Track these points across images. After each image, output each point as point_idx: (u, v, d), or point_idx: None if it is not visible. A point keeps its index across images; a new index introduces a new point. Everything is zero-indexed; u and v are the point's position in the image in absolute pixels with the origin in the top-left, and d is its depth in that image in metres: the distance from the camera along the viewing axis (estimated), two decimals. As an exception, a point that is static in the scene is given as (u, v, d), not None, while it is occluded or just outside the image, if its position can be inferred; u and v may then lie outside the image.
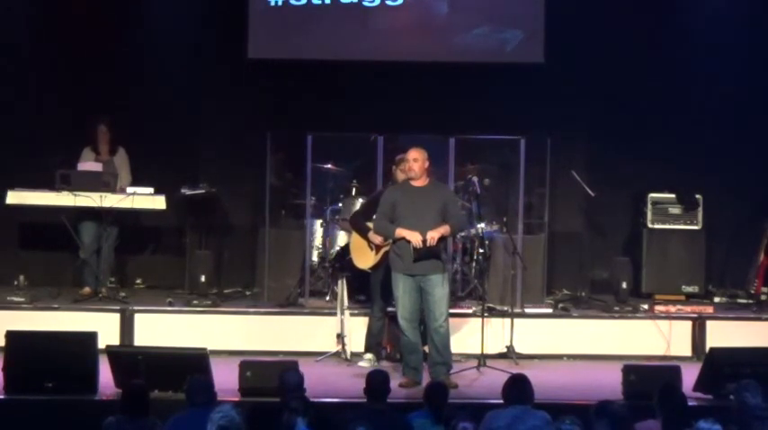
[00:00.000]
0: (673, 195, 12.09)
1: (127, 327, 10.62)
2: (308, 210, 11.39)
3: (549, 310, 11.15)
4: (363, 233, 9.95)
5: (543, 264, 11.48)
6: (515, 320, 10.50)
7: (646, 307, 11.19)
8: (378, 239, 9.73)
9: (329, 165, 11.66)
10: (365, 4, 12.35)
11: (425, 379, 9.19)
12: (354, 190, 11.42)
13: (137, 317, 10.69)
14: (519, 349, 10.42)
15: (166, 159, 12.17)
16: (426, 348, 9.52)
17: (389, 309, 10.01)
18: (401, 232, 9.28)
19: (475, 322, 10.27)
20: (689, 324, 10.80)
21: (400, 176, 10.00)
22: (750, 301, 11.56)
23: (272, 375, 8.14)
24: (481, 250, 10.91)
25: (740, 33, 12.21)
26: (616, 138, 12.33)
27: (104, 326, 10.06)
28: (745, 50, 12.25)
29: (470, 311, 10.76)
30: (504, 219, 11.13)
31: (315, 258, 11.46)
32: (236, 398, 8.46)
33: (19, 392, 8.72)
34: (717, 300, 11.69)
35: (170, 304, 11.04)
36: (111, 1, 12.36)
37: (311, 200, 11.45)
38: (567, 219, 12.44)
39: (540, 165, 11.52)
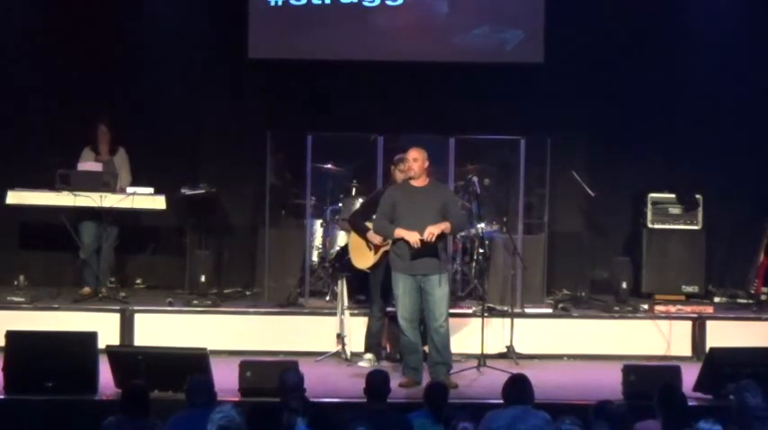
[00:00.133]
0: (673, 195, 12.09)
1: (127, 327, 10.62)
2: (308, 210, 11.39)
3: (549, 310, 11.15)
4: (362, 233, 9.95)
5: (543, 264, 11.48)
6: (515, 320, 10.50)
7: (646, 307, 11.19)
8: (377, 239, 9.73)
9: (329, 165, 11.66)
10: (365, 4, 12.36)
11: (425, 379, 9.19)
12: (354, 190, 11.42)
13: (137, 317, 10.69)
14: (519, 349, 10.42)
15: (166, 159, 12.18)
16: (426, 348, 9.52)
17: (389, 309, 10.01)
18: (399, 232, 9.28)
19: (475, 322, 10.27)
20: (689, 324, 10.80)
21: (399, 176, 10.00)
22: (750, 301, 11.56)
23: (272, 375, 8.14)
24: (481, 250, 10.91)
25: (740, 33, 12.21)
26: (616, 138, 12.34)
27: (104, 326, 10.06)
28: (745, 50, 12.24)
29: (470, 311, 10.76)
30: (504, 219, 11.13)
31: (315, 258, 11.46)
32: (236, 398, 8.46)
33: (19, 392, 8.72)
34: (717, 300, 11.69)
35: (170, 304, 11.04)
36: (111, 1, 12.35)
37: (311, 200, 11.45)
38: (567, 219, 12.44)
39: (540, 165, 11.52)
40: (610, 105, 12.33)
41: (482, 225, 10.89)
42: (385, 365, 9.83)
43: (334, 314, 10.47)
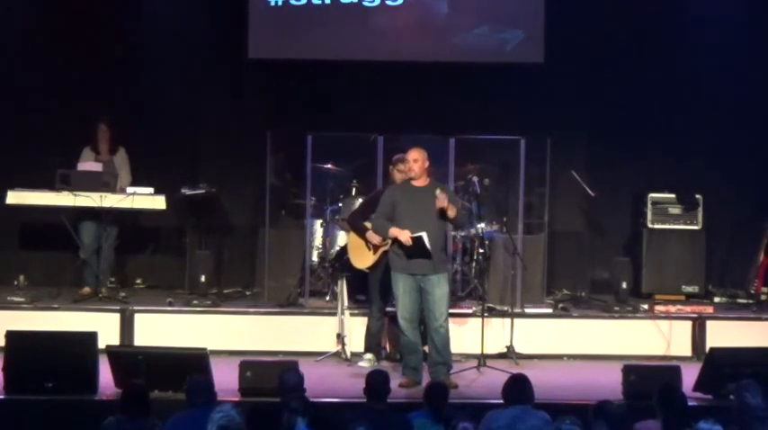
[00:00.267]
0: (673, 195, 12.09)
1: (127, 327, 10.62)
2: (308, 210, 11.39)
3: (549, 310, 11.15)
4: (361, 233, 9.95)
5: (543, 264, 11.49)
6: (515, 320, 10.51)
7: (646, 307, 11.19)
8: (376, 239, 9.72)
9: (329, 165, 11.66)
10: (365, 4, 12.36)
11: (425, 379, 9.19)
12: (354, 190, 11.42)
13: (137, 317, 10.69)
14: (519, 349, 10.42)
15: (166, 159, 12.18)
16: (426, 348, 9.52)
17: (389, 309, 10.01)
18: (393, 231, 9.29)
19: (475, 322, 10.27)
20: (689, 324, 10.80)
21: (398, 176, 10.00)
22: (750, 301, 11.56)
23: (272, 375, 8.14)
24: (481, 250, 10.91)
25: (740, 33, 12.20)
26: (616, 138, 12.34)
27: (104, 326, 10.06)
28: (745, 50, 12.24)
29: (470, 311, 10.76)
30: (504, 219, 11.13)
31: (315, 258, 11.46)
32: (236, 398, 8.46)
33: (19, 392, 8.72)
34: (717, 300, 11.69)
35: (170, 304, 11.04)
36: (111, 1, 12.35)
37: (311, 200, 11.45)
38: (567, 219, 12.45)
39: (540, 165, 11.52)
40: (610, 105, 12.32)
41: (482, 225, 10.88)
42: (385, 365, 9.83)
43: (335, 314, 10.47)
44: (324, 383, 9.10)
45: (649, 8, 12.24)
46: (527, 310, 10.92)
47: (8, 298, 10.97)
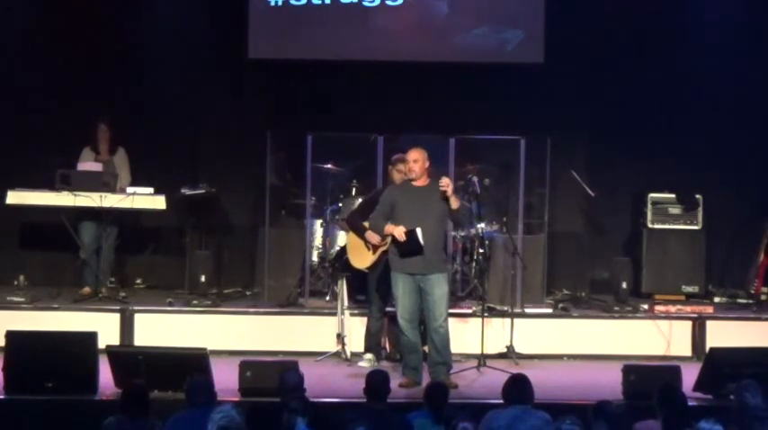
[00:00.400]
0: (673, 195, 12.09)
1: (127, 327, 10.62)
2: (308, 210, 11.39)
3: (549, 310, 11.15)
4: (360, 233, 9.94)
5: (543, 264, 11.48)
6: (515, 320, 10.51)
7: (646, 307, 11.19)
8: (375, 239, 9.71)
9: (329, 165, 11.66)
10: (365, 4, 12.36)
11: (425, 379, 9.19)
12: (354, 190, 11.42)
13: (137, 317, 10.69)
14: (519, 349, 10.42)
15: (166, 159, 12.18)
16: (426, 348, 9.52)
17: (388, 309, 10.01)
18: (388, 228, 9.31)
19: (475, 322, 10.27)
20: (689, 324, 10.80)
21: (396, 176, 10.00)
22: (750, 301, 11.56)
23: (272, 375, 8.14)
24: (481, 250, 10.91)
25: (740, 33, 12.21)
26: (616, 138, 12.34)
27: (104, 326, 10.06)
28: (745, 50, 12.24)
29: (470, 311, 10.76)
30: (504, 219, 11.13)
31: (315, 258, 11.46)
32: (236, 398, 8.46)
33: (19, 392, 8.72)
34: (717, 300, 11.69)
35: (170, 304, 11.04)
36: (111, 1, 12.35)
37: (311, 200, 11.45)
38: (567, 219, 12.45)
39: (540, 165, 11.52)
40: (610, 105, 12.32)
41: (482, 225, 10.88)
42: (385, 365, 9.83)
43: (335, 314, 10.47)
44: (324, 383, 9.10)
45: (649, 8, 12.24)
46: (527, 310, 10.92)
47: (8, 298, 10.97)
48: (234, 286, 12.11)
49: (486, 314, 10.15)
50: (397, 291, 9.36)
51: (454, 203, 9.29)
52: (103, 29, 12.25)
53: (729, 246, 12.45)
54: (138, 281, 12.43)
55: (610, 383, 8.98)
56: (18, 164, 12.00)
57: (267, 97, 12.41)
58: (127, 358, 8.88)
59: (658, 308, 11.02)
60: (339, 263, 10.73)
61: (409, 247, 9.21)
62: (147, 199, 11.21)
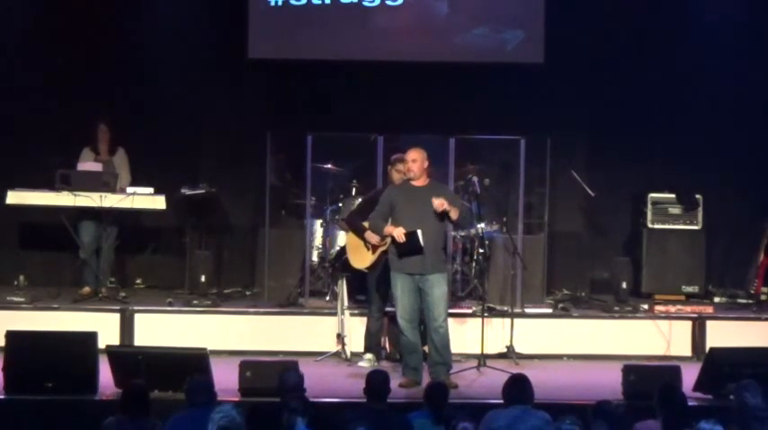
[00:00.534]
0: (673, 195, 12.09)
1: (127, 327, 10.62)
2: (308, 210, 11.40)
3: (549, 310, 11.15)
4: (360, 233, 9.94)
5: (543, 264, 11.49)
6: (515, 320, 10.51)
7: (646, 307, 11.19)
8: (374, 239, 9.71)
9: (329, 165, 11.66)
10: (365, 4, 12.36)
11: (425, 379, 9.19)
12: (354, 190, 11.43)
13: (137, 317, 10.69)
14: (519, 349, 10.42)
15: (166, 159, 12.17)
16: (426, 348, 9.52)
17: (388, 308, 10.01)
18: (388, 229, 9.31)
19: (475, 322, 10.27)
20: (689, 324, 10.81)
21: (396, 176, 10.00)
22: (750, 301, 11.56)
23: (272, 375, 8.14)
24: (481, 250, 10.90)
25: (740, 33, 12.20)
26: (616, 138, 12.35)
27: (104, 327, 10.06)
28: (745, 50, 12.24)
29: (470, 311, 10.76)
30: (504, 219, 11.13)
31: (315, 258, 11.46)
32: (236, 398, 8.46)
33: (19, 392, 8.72)
34: (717, 300, 11.70)
35: (170, 304, 11.04)
36: (111, 1, 12.35)
37: (311, 200, 11.45)
38: (567, 219, 12.45)
39: (540, 165, 11.52)
40: (610, 105, 12.32)
41: (482, 225, 10.86)
42: (385, 365, 9.83)
43: (334, 314, 10.47)
44: (324, 383, 9.09)
45: (649, 8, 12.24)
46: (527, 310, 10.92)
47: (8, 298, 10.97)
48: (234, 286, 12.11)
49: (486, 314, 10.15)
50: (397, 291, 9.36)
51: (454, 215, 9.31)
52: (103, 29, 12.25)
53: (729, 246, 12.45)
54: (138, 281, 12.43)
55: (610, 383, 8.97)
56: (18, 164, 12.00)
57: (267, 97, 12.41)
58: (127, 358, 8.88)
59: (658, 308, 11.02)
60: (339, 263, 10.73)
61: (409, 248, 9.21)
62: (147, 199, 11.21)
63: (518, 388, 7.10)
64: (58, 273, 12.13)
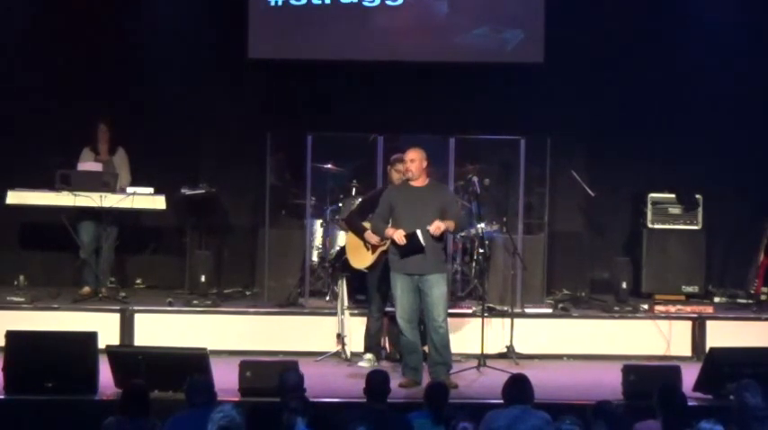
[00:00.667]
0: (673, 195, 12.09)
1: (127, 327, 10.62)
2: (308, 210, 11.40)
3: (549, 310, 11.15)
4: (359, 233, 9.94)
5: (543, 264, 11.49)
6: (515, 320, 10.51)
7: (646, 307, 11.19)
8: (374, 239, 9.71)
9: (329, 165, 11.66)
10: (365, 4, 12.36)
11: (425, 379, 9.19)
12: (354, 190, 11.43)
13: (137, 317, 10.69)
14: (519, 349, 10.42)
15: (166, 159, 12.17)
16: (426, 348, 9.52)
17: (388, 308, 10.01)
18: (388, 232, 9.31)
19: (475, 322, 10.27)
20: (689, 324, 10.81)
21: (395, 176, 10.00)
22: (750, 301, 11.56)
23: (272, 375, 8.13)
24: (481, 250, 10.90)
25: (740, 35, 12.20)
26: (616, 138, 12.35)
27: (104, 326, 10.05)
28: (745, 50, 12.24)
29: (470, 311, 10.76)
30: (504, 219, 11.13)
31: (315, 258, 11.46)
32: (236, 398, 8.46)
33: (19, 392, 8.72)
34: (717, 300, 11.69)
35: (170, 304, 11.04)
36: (111, 1, 12.35)
37: (311, 200, 11.45)
38: (567, 219, 12.45)
39: (540, 166, 11.52)
40: (610, 105, 12.32)
41: (482, 225, 10.87)
42: (385, 365, 9.83)
43: (334, 314, 10.47)
44: (324, 383, 9.09)
45: (649, 8, 12.24)
46: (527, 310, 10.92)
47: (8, 298, 10.97)
48: (234, 286, 12.11)
49: (486, 314, 10.15)
50: (396, 292, 9.36)
51: (452, 228, 9.34)
52: (103, 29, 12.25)
53: (729, 246, 12.45)
54: (138, 281, 12.43)
55: (610, 383, 8.98)
56: (18, 164, 12.01)
57: (267, 97, 12.41)
58: (127, 358, 8.87)
59: (658, 308, 11.02)
60: (339, 263, 10.73)
61: (410, 249, 9.21)
62: (147, 199, 11.21)
63: (518, 388, 7.10)
64: (57, 273, 12.13)
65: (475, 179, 10.92)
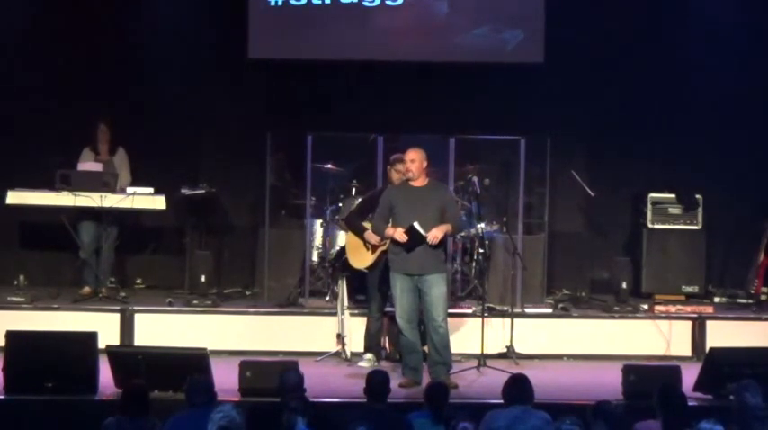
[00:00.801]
0: (673, 195, 12.09)
1: (127, 327, 10.62)
2: (308, 210, 11.40)
3: (549, 310, 11.15)
4: (359, 233, 9.94)
5: (543, 264, 11.49)
6: (515, 320, 10.51)
7: (646, 307, 11.19)
8: (374, 239, 9.72)
9: (329, 165, 11.66)
10: (365, 4, 12.36)
11: (425, 379, 9.19)
12: (354, 190, 11.43)
13: (137, 317, 10.69)
14: (519, 349, 10.42)
15: (166, 159, 12.17)
16: (426, 348, 9.52)
17: (388, 308, 10.01)
18: (388, 232, 9.31)
19: (475, 322, 10.27)
20: (689, 324, 10.81)
21: (395, 176, 10.00)
22: (750, 301, 11.56)
23: (272, 375, 8.14)
24: (481, 250, 10.91)
25: (740, 35, 12.20)
26: (616, 138, 12.35)
27: (104, 326, 10.06)
28: (746, 52, 12.24)
29: (470, 311, 10.76)
30: (504, 219, 11.13)
31: (315, 258, 11.46)
32: (236, 398, 8.46)
33: (19, 392, 8.72)
34: (717, 300, 11.69)
35: (170, 304, 11.04)
36: (111, 1, 12.35)
37: (311, 200, 11.45)
38: (567, 219, 12.45)
39: (540, 166, 11.53)
40: (610, 105, 12.32)
41: (482, 225, 10.88)
42: (385, 365, 9.83)
43: (335, 314, 10.47)
44: (324, 383, 9.09)
45: (649, 8, 12.24)
46: (527, 310, 10.92)
47: (8, 298, 10.97)
48: (234, 286, 12.11)
49: (486, 314, 10.15)
50: (396, 292, 9.36)
51: (450, 231, 9.35)
52: (103, 29, 12.24)
53: (729, 246, 12.45)
54: (138, 281, 12.43)
55: (610, 383, 8.97)
56: (18, 164, 12.00)
57: (267, 97, 12.41)
58: (127, 358, 8.87)
59: (658, 308, 11.02)
60: (339, 263, 10.73)
61: (413, 243, 9.21)
62: (147, 199, 11.21)
63: (518, 388, 7.10)
64: (57, 273, 12.13)
65: (475, 179, 10.92)
